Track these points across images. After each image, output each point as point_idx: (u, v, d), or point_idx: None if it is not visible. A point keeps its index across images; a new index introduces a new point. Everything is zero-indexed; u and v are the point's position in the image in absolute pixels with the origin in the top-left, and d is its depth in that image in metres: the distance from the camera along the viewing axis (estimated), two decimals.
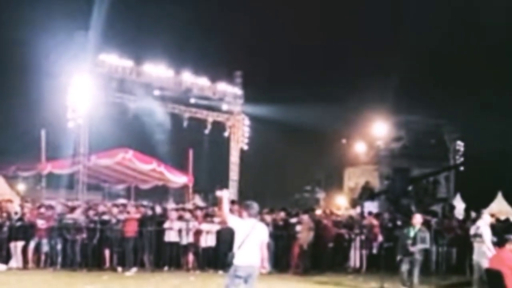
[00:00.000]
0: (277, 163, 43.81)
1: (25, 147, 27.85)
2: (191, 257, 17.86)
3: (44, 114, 28.95)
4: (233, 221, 8.66)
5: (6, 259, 17.08)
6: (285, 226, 18.82)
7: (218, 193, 8.57)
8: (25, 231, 17.36)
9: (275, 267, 17.11)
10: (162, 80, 33.31)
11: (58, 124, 28.85)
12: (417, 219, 13.99)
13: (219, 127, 37.45)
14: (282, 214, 19.66)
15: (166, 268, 17.48)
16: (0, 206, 18.31)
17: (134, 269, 17.10)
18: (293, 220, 19.17)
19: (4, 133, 30.91)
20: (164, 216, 18.88)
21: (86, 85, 29.12)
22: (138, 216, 18.33)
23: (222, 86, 36.58)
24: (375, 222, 19.87)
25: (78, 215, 18.06)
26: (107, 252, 17.55)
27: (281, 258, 18.07)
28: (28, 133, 28.21)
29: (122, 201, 25.90)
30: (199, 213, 18.90)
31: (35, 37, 29.55)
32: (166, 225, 17.87)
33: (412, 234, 13.66)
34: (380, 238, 19.02)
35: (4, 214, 17.75)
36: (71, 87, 29.02)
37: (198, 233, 17.87)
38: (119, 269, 17.12)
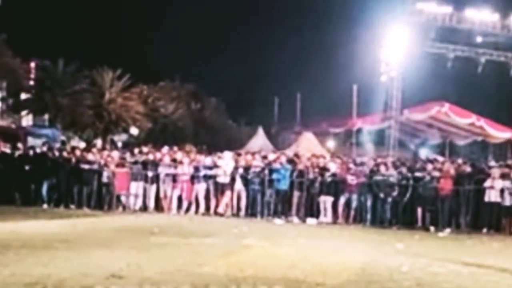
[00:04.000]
0: None
1: (336, 103, 28.22)
2: None
3: (357, 69, 28.88)
4: None
5: (317, 213, 17.21)
6: None
7: None
8: (336, 186, 17.29)
9: None
10: (486, 25, 30.71)
11: (370, 79, 28.58)
12: None
13: None
14: None
15: (484, 230, 15.98)
16: (311, 161, 18.41)
17: (448, 230, 15.99)
18: None
19: (316, 91, 31.87)
20: (484, 174, 17.18)
21: (402, 36, 28.16)
22: (454, 173, 17.03)
23: None
24: None
25: (389, 172, 17.39)
26: (419, 211, 16.71)
27: None
28: (340, 89, 28.55)
29: (438, 157, 24.31)
30: None
31: None
32: (487, 183, 16.41)
33: None
34: None
35: (316, 170, 17.78)
36: (385, 40, 28.37)
37: None
38: (432, 228, 16.20)
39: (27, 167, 18.24)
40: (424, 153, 30.96)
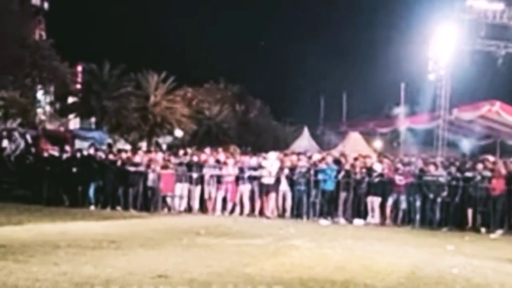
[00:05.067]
0: None
1: (383, 102, 27.83)
2: None
3: (404, 68, 28.46)
4: None
5: (364, 214, 16.93)
6: None
7: None
8: (384, 187, 17.00)
9: None
10: None
11: (418, 77, 28.11)
12: None
13: None
14: None
15: None
16: (358, 161, 18.13)
17: (500, 231, 15.44)
18: None
19: (363, 89, 31.53)
20: None
21: (451, 34, 27.60)
22: (505, 173, 16.47)
23: None
24: None
25: (439, 172, 17.01)
26: (470, 212, 16.20)
27: None
28: (387, 88, 28.16)
29: (489, 157, 23.68)
30: None
31: None
32: None
33: None
34: None
35: (364, 170, 17.51)
36: (434, 38, 27.85)
37: None
38: (483, 230, 15.69)
39: (74, 170, 18.52)
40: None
